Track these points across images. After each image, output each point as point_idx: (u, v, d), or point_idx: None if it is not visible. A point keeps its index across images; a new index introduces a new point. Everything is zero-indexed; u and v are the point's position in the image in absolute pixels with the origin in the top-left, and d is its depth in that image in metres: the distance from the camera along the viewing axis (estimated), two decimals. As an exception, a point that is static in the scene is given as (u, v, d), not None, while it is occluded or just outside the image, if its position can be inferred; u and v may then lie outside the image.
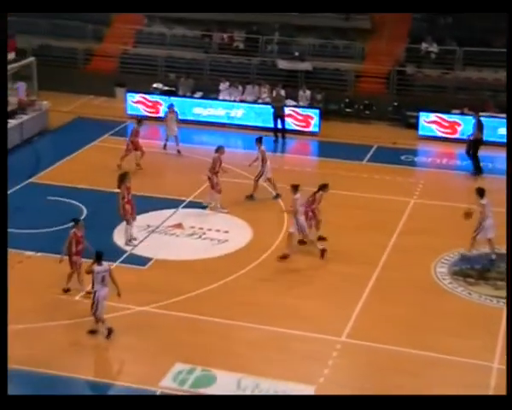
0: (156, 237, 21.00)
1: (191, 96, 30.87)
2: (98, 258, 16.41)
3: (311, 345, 16.49)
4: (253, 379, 15.12)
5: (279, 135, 28.75)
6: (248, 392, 14.75)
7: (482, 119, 26.25)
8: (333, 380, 15.36)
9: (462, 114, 28.51)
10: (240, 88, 31.01)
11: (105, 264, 16.48)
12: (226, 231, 21.31)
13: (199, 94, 31.07)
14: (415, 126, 29.26)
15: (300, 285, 18.90)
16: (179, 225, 21.63)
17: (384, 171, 25.73)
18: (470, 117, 26.91)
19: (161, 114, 29.83)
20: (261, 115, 29.55)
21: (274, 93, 29.57)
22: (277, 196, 23.12)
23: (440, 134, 28.66)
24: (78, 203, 22.36)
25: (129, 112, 30.67)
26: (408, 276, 19.21)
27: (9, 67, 28.98)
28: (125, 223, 20.45)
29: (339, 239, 20.76)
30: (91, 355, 16.49)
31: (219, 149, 22.87)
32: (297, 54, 32.09)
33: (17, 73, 29.81)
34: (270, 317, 17.36)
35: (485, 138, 26.06)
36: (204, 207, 22.60)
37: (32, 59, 30.51)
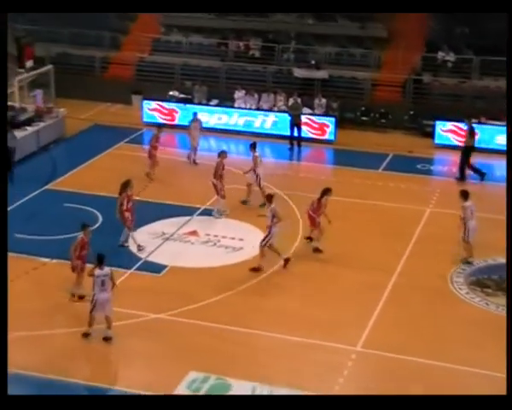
0: (171, 245, 21.00)
1: (207, 104, 30.88)
2: (99, 261, 16.40)
3: (326, 354, 16.41)
4: (267, 387, 15.06)
5: (295, 143, 28.74)
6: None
7: (496, 127, 26.09)
8: (347, 390, 15.26)
9: (479, 123, 28.38)
10: (256, 96, 31.04)
11: (106, 268, 16.43)
12: (241, 239, 21.29)
13: (214, 102, 31.13)
14: (431, 135, 29.19)
15: (316, 293, 18.83)
16: (194, 233, 21.63)
17: (400, 179, 25.66)
18: (464, 124, 26.87)
19: (177, 122, 29.85)
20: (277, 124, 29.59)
21: (291, 101, 29.57)
22: (245, 202, 23.17)
23: (457, 143, 28.52)
24: (93, 210, 22.39)
25: (145, 119, 30.74)
26: (424, 284, 19.11)
27: (27, 74, 29.29)
28: (126, 229, 20.41)
29: (355, 247, 20.75)
30: (105, 362, 16.48)
31: (221, 154, 22.97)
32: (313, 62, 32.09)
33: (35, 81, 30.04)
34: (286, 325, 17.30)
35: (498, 147, 25.89)
36: (220, 216, 22.61)
37: (49, 67, 30.75)
